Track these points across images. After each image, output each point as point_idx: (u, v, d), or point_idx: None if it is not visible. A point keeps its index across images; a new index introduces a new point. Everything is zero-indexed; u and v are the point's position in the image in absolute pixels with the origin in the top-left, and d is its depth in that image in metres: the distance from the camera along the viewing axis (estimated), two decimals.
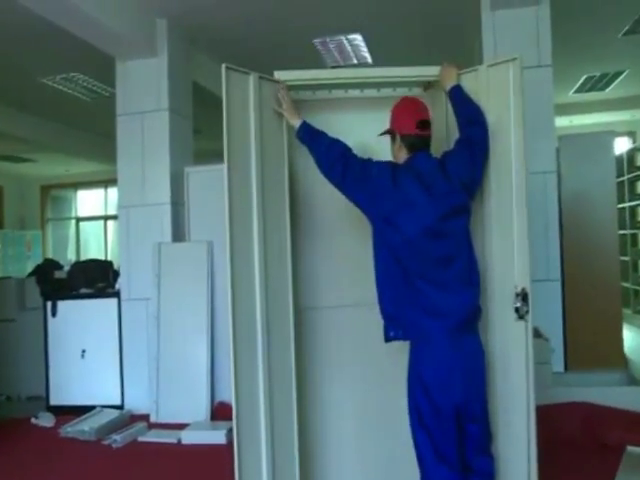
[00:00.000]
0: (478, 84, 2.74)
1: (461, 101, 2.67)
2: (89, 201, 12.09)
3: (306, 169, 2.88)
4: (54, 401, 4.98)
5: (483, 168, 2.61)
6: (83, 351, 4.99)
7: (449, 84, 2.70)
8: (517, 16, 4.35)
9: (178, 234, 4.88)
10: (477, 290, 2.45)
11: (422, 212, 2.38)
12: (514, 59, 2.64)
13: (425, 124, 2.52)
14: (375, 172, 2.47)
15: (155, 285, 4.74)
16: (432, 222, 2.37)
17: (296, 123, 2.68)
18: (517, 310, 2.53)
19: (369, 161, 2.55)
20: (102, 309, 5.01)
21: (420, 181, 2.42)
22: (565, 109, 8.07)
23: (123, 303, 4.93)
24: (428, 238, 2.37)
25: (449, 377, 2.31)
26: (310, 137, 2.64)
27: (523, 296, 2.53)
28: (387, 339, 2.50)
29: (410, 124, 2.51)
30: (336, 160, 2.54)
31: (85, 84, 6.58)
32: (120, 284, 5.03)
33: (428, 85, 2.96)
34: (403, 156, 2.53)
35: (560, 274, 4.25)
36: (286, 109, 2.71)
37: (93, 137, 8.79)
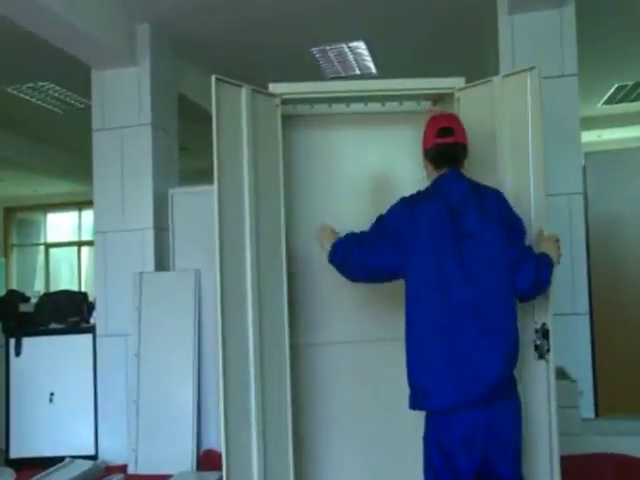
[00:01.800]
0: (493, 96, 2.83)
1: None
2: (60, 225, 12.15)
3: (305, 192, 2.96)
4: (15, 453, 4.93)
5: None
6: (51, 394, 4.99)
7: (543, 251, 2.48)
8: (538, 20, 4.38)
9: (161, 262, 4.92)
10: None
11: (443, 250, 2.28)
12: (532, 68, 2.74)
13: (447, 131, 2.45)
14: (388, 221, 2.41)
15: (135, 319, 4.76)
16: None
17: (329, 246, 2.60)
18: (537, 348, 2.59)
19: (380, 217, 2.48)
20: (74, 347, 5.02)
21: (445, 206, 2.32)
22: (593, 122, 8.13)
23: (99, 340, 4.95)
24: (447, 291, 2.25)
25: (473, 443, 2.23)
26: (342, 259, 2.54)
27: (543, 332, 2.59)
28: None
29: (430, 135, 2.47)
30: (353, 257, 2.46)
31: (56, 94, 6.62)
32: (95, 318, 5.05)
33: (438, 98, 3.06)
34: (431, 176, 2.49)
35: (588, 307, 4.26)
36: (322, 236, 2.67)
37: (65, 154, 8.82)
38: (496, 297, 2.27)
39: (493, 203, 2.38)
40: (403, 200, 2.46)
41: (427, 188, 2.47)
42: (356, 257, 2.45)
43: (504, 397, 2.27)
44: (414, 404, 2.34)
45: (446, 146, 2.44)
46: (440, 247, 2.28)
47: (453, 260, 2.26)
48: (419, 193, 2.47)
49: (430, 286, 2.27)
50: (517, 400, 2.34)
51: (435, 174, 2.46)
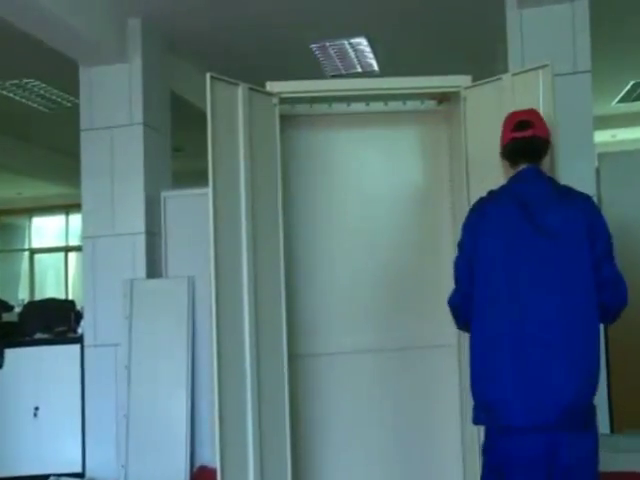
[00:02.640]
0: (502, 96, 2.86)
1: None
2: (47, 230, 12.18)
3: (304, 193, 2.99)
4: None
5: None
6: (36, 409, 4.99)
7: None
8: (549, 14, 4.39)
9: (153, 269, 4.93)
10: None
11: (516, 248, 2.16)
12: (544, 66, 2.77)
13: (524, 124, 2.32)
14: (462, 238, 2.34)
15: (126, 329, 4.77)
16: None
17: None
18: None
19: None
20: (61, 358, 5.02)
21: (521, 207, 2.20)
22: (607, 122, 8.14)
23: (87, 350, 4.95)
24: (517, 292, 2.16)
25: (533, 471, 2.11)
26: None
27: None
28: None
29: (506, 131, 2.38)
30: (455, 304, 2.39)
31: (42, 92, 6.63)
32: (84, 328, 5.06)
33: (443, 97, 3.08)
34: (508, 175, 2.38)
35: None
36: None
37: (52, 155, 8.84)
38: (576, 312, 2.12)
39: (577, 207, 2.21)
40: (473, 206, 2.38)
41: (501, 187, 2.36)
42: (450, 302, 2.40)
43: (578, 427, 2.10)
44: (476, 419, 2.25)
45: (523, 140, 2.31)
46: (513, 251, 2.17)
47: (527, 266, 2.15)
48: (491, 193, 2.36)
49: (499, 294, 2.17)
50: (594, 434, 2.16)
51: (512, 172, 2.34)
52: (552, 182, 2.30)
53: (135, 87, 4.97)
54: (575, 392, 2.07)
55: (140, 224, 4.89)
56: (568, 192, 2.28)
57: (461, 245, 2.34)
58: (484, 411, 2.20)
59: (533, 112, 2.45)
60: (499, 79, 2.89)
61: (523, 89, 2.81)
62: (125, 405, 4.69)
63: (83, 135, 5.06)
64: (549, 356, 2.09)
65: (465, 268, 2.29)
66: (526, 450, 2.10)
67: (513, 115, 2.41)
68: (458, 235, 3.18)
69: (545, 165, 2.34)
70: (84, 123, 5.06)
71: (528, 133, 2.30)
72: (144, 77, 4.99)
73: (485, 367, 2.20)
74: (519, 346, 2.12)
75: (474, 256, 2.23)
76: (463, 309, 2.32)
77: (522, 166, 2.30)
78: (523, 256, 2.15)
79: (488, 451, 2.23)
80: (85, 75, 5.07)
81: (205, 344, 4.56)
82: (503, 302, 2.15)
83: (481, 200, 2.36)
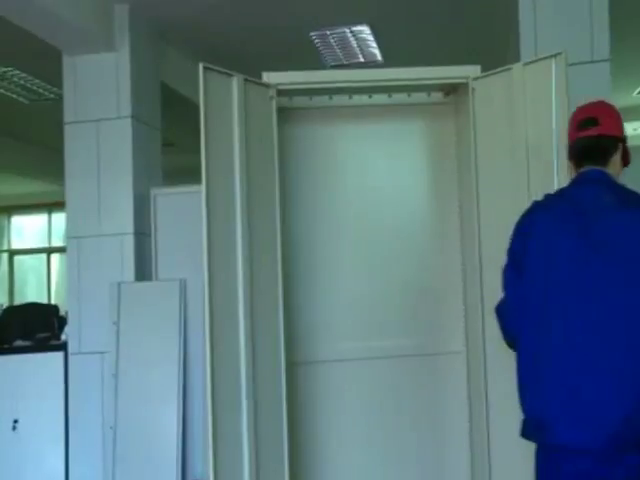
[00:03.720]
0: (513, 87, 2.89)
1: None
2: (27, 229, 12.20)
3: (303, 191, 3.02)
4: None
5: None
6: (15, 422, 4.99)
7: None
8: None
9: (143, 271, 4.95)
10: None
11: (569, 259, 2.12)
12: (557, 54, 2.79)
13: (589, 122, 2.24)
14: (511, 245, 2.31)
15: (113, 335, 4.79)
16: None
17: None
18: None
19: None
20: (43, 366, 5.03)
21: (575, 214, 2.16)
22: (627, 114, 8.10)
23: (71, 358, 4.97)
24: (565, 293, 2.14)
25: None
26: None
27: None
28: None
29: (571, 130, 2.33)
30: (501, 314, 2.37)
31: (22, 82, 6.60)
32: (67, 334, 5.07)
33: (451, 89, 3.11)
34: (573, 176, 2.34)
35: None
36: None
37: (32, 149, 8.83)
38: (634, 327, 2.08)
39: (638, 216, 2.13)
40: (525, 211, 2.34)
41: (559, 190, 2.36)
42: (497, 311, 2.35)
43: (629, 448, 2.05)
44: (525, 433, 2.23)
45: (587, 140, 2.24)
46: (562, 263, 2.14)
47: (577, 280, 2.12)
48: (546, 197, 2.34)
49: (548, 306, 2.15)
50: None
51: (575, 174, 2.29)
52: (615, 187, 2.22)
53: (123, 77, 4.98)
54: (627, 413, 2.04)
55: (128, 224, 4.90)
56: (632, 199, 2.18)
57: (509, 252, 2.31)
58: (534, 428, 2.20)
59: (601, 107, 2.35)
60: (509, 69, 2.93)
61: (535, 79, 2.84)
62: (112, 417, 4.70)
63: (67, 129, 5.06)
64: (600, 374, 2.07)
65: (512, 278, 2.27)
66: (573, 471, 2.08)
67: (579, 111, 2.35)
68: (466, 236, 3.25)
69: (614, 166, 2.27)
70: (68, 116, 5.06)
71: (593, 132, 2.23)
72: (132, 67, 4.99)
73: (533, 381, 2.19)
74: (567, 362, 2.11)
75: (522, 265, 2.21)
76: (508, 321, 2.31)
77: (586, 168, 2.25)
78: (573, 269, 2.12)
79: (537, 469, 2.22)
80: (69, 64, 5.07)
81: (198, 351, 4.58)
82: (552, 315, 2.14)
83: (534, 205, 2.33)
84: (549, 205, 2.26)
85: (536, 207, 2.30)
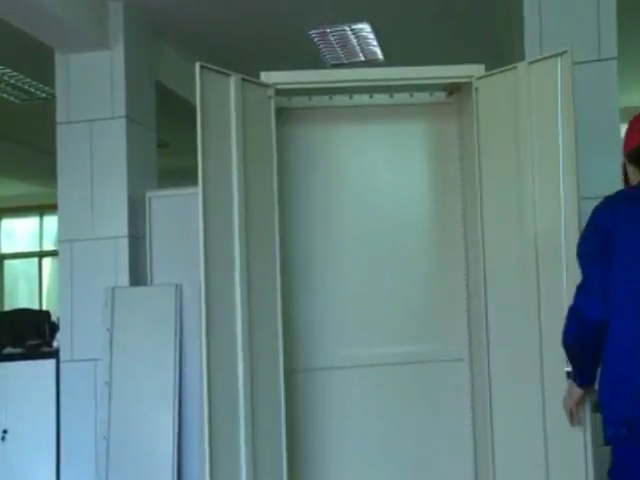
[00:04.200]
0: (517, 86, 2.91)
1: None
2: (18, 233, 12.20)
3: (302, 194, 3.03)
4: None
5: None
6: (4, 432, 4.98)
7: None
8: None
9: (137, 276, 4.95)
10: None
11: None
12: (563, 53, 2.81)
13: None
14: (594, 220, 2.33)
15: (107, 342, 4.79)
16: None
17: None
18: (569, 375, 2.63)
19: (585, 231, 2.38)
20: (34, 374, 5.03)
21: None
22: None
23: (63, 366, 4.97)
24: None
25: None
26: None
27: None
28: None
29: (633, 136, 2.41)
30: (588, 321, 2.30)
31: (13, 81, 6.60)
32: (60, 341, 5.07)
33: (454, 88, 3.13)
34: (637, 180, 2.40)
35: None
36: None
37: (24, 150, 8.83)
38: None
39: None
40: (598, 205, 2.40)
41: (630, 187, 2.42)
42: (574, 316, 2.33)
43: None
44: (611, 435, 2.23)
45: None
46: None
47: None
48: (618, 192, 2.43)
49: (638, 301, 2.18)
50: None
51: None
52: None
53: (117, 76, 4.98)
54: None
55: (123, 227, 4.90)
56: None
57: (590, 250, 2.31)
58: (625, 427, 2.17)
59: None
60: (514, 68, 2.94)
61: (540, 78, 2.86)
62: (105, 426, 4.70)
63: (59, 129, 5.07)
64: None
65: (600, 278, 2.24)
66: None
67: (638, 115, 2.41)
68: (469, 241, 3.25)
69: None
70: (60, 116, 5.07)
71: None
72: (127, 65, 5.00)
73: (615, 381, 2.20)
74: None
75: (610, 260, 2.21)
76: (593, 315, 2.26)
77: None
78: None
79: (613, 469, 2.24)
80: (61, 63, 5.07)
81: (194, 358, 4.58)
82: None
83: (609, 198, 2.37)
84: (629, 198, 2.32)
85: (615, 200, 2.34)
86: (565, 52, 2.80)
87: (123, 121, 4.95)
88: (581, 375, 2.46)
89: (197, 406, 4.30)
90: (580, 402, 2.55)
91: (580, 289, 2.32)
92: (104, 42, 4.95)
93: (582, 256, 2.34)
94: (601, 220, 2.30)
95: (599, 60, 4.32)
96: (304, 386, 3.07)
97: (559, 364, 2.66)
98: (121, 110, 4.95)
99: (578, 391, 2.50)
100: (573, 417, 2.58)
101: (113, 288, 4.85)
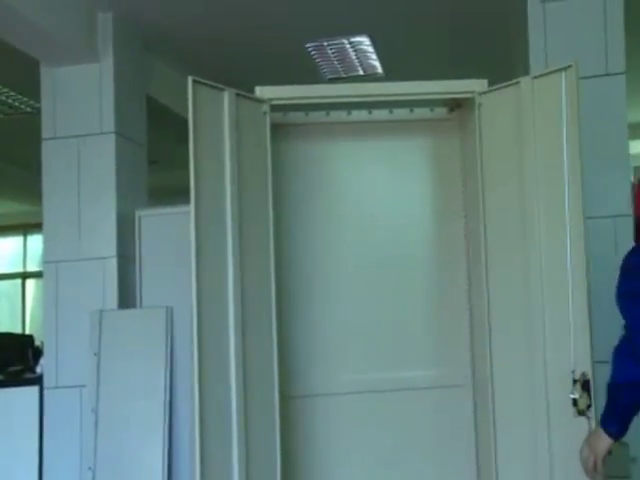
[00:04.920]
0: (521, 102, 2.95)
1: None
2: (0, 253, 12.20)
3: (299, 213, 3.06)
4: None
5: None
6: None
7: None
8: (576, 8, 4.38)
9: (126, 298, 4.95)
10: None
11: None
12: (568, 67, 2.84)
13: None
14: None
15: (93, 367, 4.79)
16: None
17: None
18: (575, 402, 2.65)
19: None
20: (16, 402, 5.01)
21: None
22: None
23: (47, 393, 4.95)
24: None
25: None
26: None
27: (583, 384, 2.66)
28: None
29: None
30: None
31: None
32: (43, 367, 5.06)
33: (456, 104, 3.16)
34: None
35: None
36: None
37: (8, 167, 8.80)
38: None
39: None
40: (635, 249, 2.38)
41: None
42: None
43: None
44: None
45: None
46: None
47: None
48: None
49: None
50: None
51: None
52: None
53: (106, 90, 5.01)
54: None
55: (111, 247, 4.91)
56: None
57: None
58: None
59: None
60: (518, 83, 2.98)
61: (544, 94, 2.89)
62: (91, 456, 4.68)
63: (45, 145, 5.09)
64: None
65: None
66: None
67: None
68: (473, 262, 3.27)
69: None
70: (46, 131, 5.09)
71: None
72: (116, 79, 5.03)
73: None
74: None
75: None
76: None
77: None
78: None
79: None
80: (48, 76, 5.10)
81: (185, 384, 4.57)
82: None
83: None
84: None
85: None
86: (570, 66, 2.82)
87: (112, 137, 4.97)
88: (620, 423, 2.26)
89: (188, 433, 4.30)
90: (606, 457, 2.28)
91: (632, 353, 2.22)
92: (92, 54, 4.98)
93: (625, 296, 2.28)
94: None
95: (606, 75, 4.35)
96: (301, 413, 3.07)
97: (564, 391, 2.68)
98: (110, 125, 4.98)
99: (607, 441, 2.26)
100: (592, 473, 2.29)
101: (101, 311, 4.85)
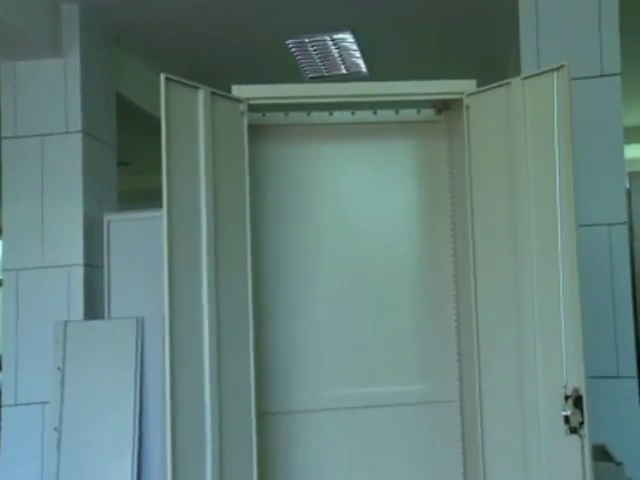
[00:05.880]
0: (511, 104, 2.98)
1: None
2: None
3: (278, 219, 3.08)
4: None
5: None
6: None
7: None
8: (570, 5, 4.43)
9: (94, 309, 4.94)
10: None
11: None
12: (560, 67, 2.86)
13: None
14: None
15: (57, 383, 4.75)
16: None
17: None
18: (567, 420, 2.68)
19: None
20: None
21: None
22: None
23: (5, 411, 4.91)
24: None
25: None
26: None
27: (575, 400, 2.69)
28: None
29: None
30: None
31: None
32: (1, 383, 5.05)
33: (443, 105, 3.19)
34: None
35: (637, 367, 4.33)
36: None
37: None
38: None
39: None
40: None
41: None
42: None
43: None
44: None
45: None
46: None
47: None
48: None
49: None
50: None
51: None
52: None
53: (72, 87, 5.01)
54: None
55: (77, 254, 4.90)
56: None
57: None
58: None
59: None
60: (508, 84, 3.00)
61: (536, 95, 2.91)
62: (54, 478, 4.66)
63: (5, 144, 5.07)
64: None
65: None
66: None
67: None
68: (460, 272, 3.31)
69: None
70: (7, 130, 5.07)
71: None
72: (83, 75, 5.02)
73: None
74: None
75: None
76: None
77: None
78: None
79: None
80: (8, 71, 5.08)
81: (156, 400, 4.55)
82: None
83: None
84: None
85: None
86: (562, 66, 2.84)
87: (79, 136, 4.96)
88: None
89: (159, 453, 4.29)
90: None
91: None
92: (57, 49, 4.96)
93: None
94: None
95: (601, 76, 4.37)
96: (279, 430, 3.08)
97: (556, 407, 2.71)
98: (77, 124, 4.97)
99: None
100: None
101: (65, 322, 4.82)
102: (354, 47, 5.91)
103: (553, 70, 2.89)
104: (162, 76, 2.77)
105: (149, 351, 4.73)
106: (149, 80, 4.99)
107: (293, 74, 6.07)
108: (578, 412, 2.68)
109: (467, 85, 3.18)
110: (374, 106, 3.20)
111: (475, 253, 3.12)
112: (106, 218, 4.93)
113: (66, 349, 4.81)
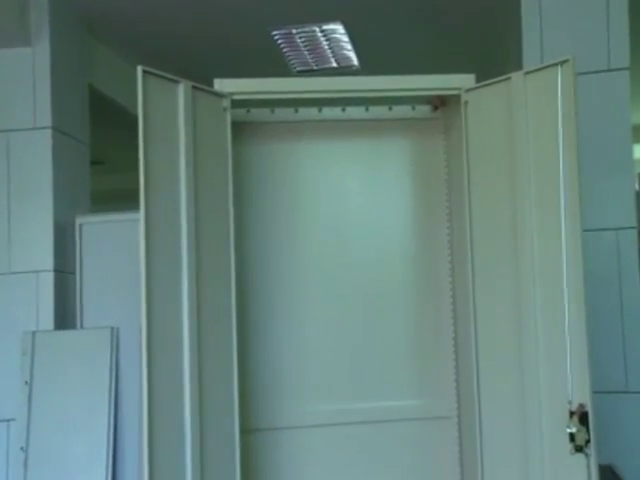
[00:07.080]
0: (512, 100, 3.00)
1: None
2: None
3: (263, 221, 3.09)
4: None
5: None
6: None
7: None
8: None
9: (64, 318, 4.93)
10: None
11: None
12: (564, 61, 2.88)
13: None
14: None
15: (24, 398, 4.73)
16: None
17: None
18: (572, 437, 2.70)
19: None
20: None
21: None
22: None
23: None
24: None
25: None
26: None
27: (581, 417, 2.70)
28: None
29: None
30: None
31: None
32: None
33: (440, 102, 3.21)
34: None
35: None
36: None
37: None
38: None
39: None
40: None
41: None
42: None
43: None
44: None
45: None
46: None
47: None
48: None
49: None
50: None
51: None
52: None
53: (41, 79, 4.99)
54: None
55: (47, 259, 4.89)
56: None
57: None
58: None
59: None
60: (509, 78, 3.02)
61: (538, 91, 2.92)
62: None
63: None
64: None
65: None
66: None
67: None
68: (458, 277, 3.32)
69: None
70: None
71: None
72: (53, 66, 5.01)
73: None
74: None
75: None
76: None
77: None
78: None
79: None
80: None
81: (132, 417, 4.55)
82: None
83: None
84: None
85: None
86: (566, 60, 2.86)
87: (48, 132, 4.95)
88: None
89: (135, 472, 4.29)
90: None
91: None
92: (24, 37, 4.95)
93: None
94: None
95: (608, 70, 4.38)
96: (265, 448, 3.09)
97: (560, 424, 2.73)
98: (46, 119, 4.96)
99: None
100: None
101: (34, 332, 4.81)
102: (345, 39, 5.89)
103: (556, 64, 2.90)
104: (139, 69, 2.78)
105: (124, 364, 4.71)
106: (125, 73, 4.97)
107: (280, 67, 6.05)
108: (584, 429, 2.69)
109: (465, 80, 3.19)
110: (366, 102, 3.21)
111: (474, 260, 3.13)
112: (78, 221, 4.93)
113: (34, 362, 4.79)
